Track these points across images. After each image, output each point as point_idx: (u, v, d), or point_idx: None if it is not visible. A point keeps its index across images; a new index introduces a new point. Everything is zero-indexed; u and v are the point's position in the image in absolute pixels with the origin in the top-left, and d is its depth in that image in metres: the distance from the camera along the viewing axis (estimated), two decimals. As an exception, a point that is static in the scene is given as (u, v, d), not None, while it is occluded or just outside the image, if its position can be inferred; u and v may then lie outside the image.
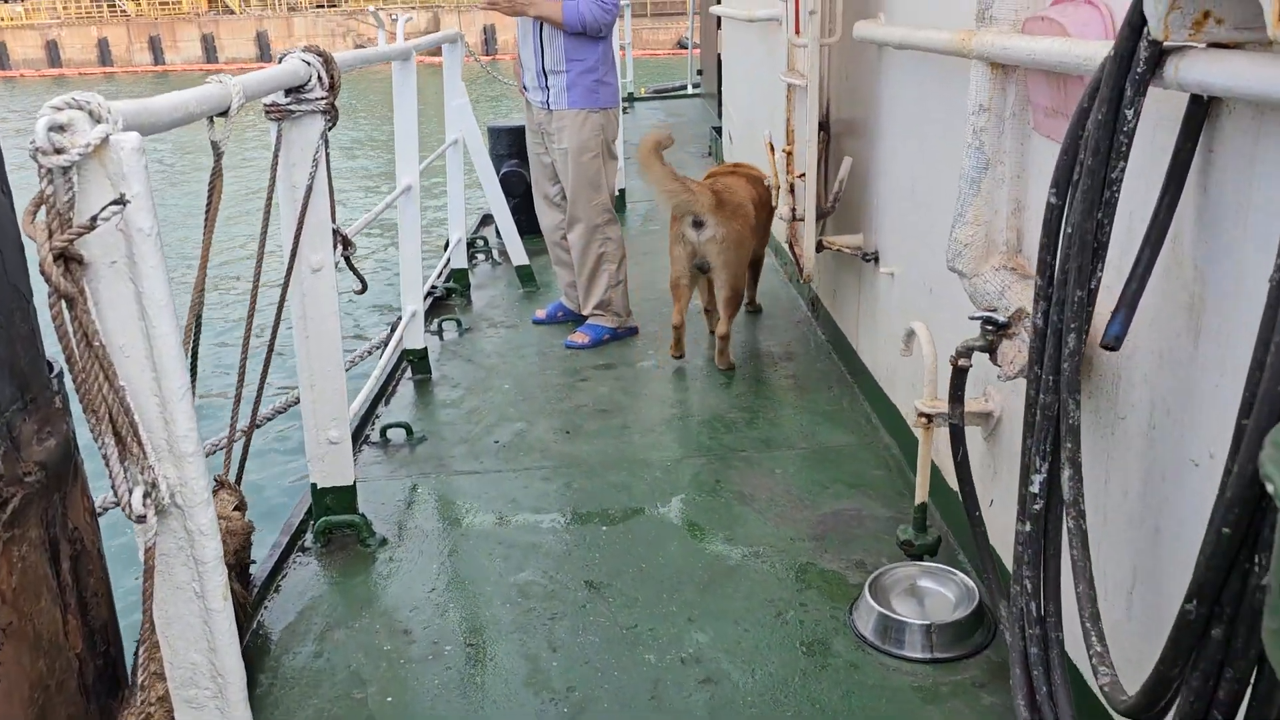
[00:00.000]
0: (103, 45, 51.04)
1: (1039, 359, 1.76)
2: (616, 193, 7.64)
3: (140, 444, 1.62)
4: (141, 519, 1.64)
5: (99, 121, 1.51)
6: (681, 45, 42.07)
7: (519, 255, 5.67)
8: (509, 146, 6.57)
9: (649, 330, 4.91)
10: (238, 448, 2.77)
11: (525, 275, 5.70)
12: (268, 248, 2.79)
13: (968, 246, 2.32)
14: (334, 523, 3.03)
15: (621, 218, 7.47)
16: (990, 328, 1.96)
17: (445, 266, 5.66)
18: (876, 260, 3.63)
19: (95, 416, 1.56)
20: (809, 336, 4.69)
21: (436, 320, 5.08)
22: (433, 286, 5.50)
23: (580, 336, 4.77)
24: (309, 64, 2.66)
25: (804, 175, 3.69)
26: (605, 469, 3.47)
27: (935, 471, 2.82)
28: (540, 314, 5.15)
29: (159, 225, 1.59)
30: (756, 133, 6.37)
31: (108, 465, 1.60)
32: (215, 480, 2.64)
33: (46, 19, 52.16)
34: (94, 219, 1.47)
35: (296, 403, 3.43)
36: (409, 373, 4.42)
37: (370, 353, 4.20)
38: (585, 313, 4.82)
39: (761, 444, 3.60)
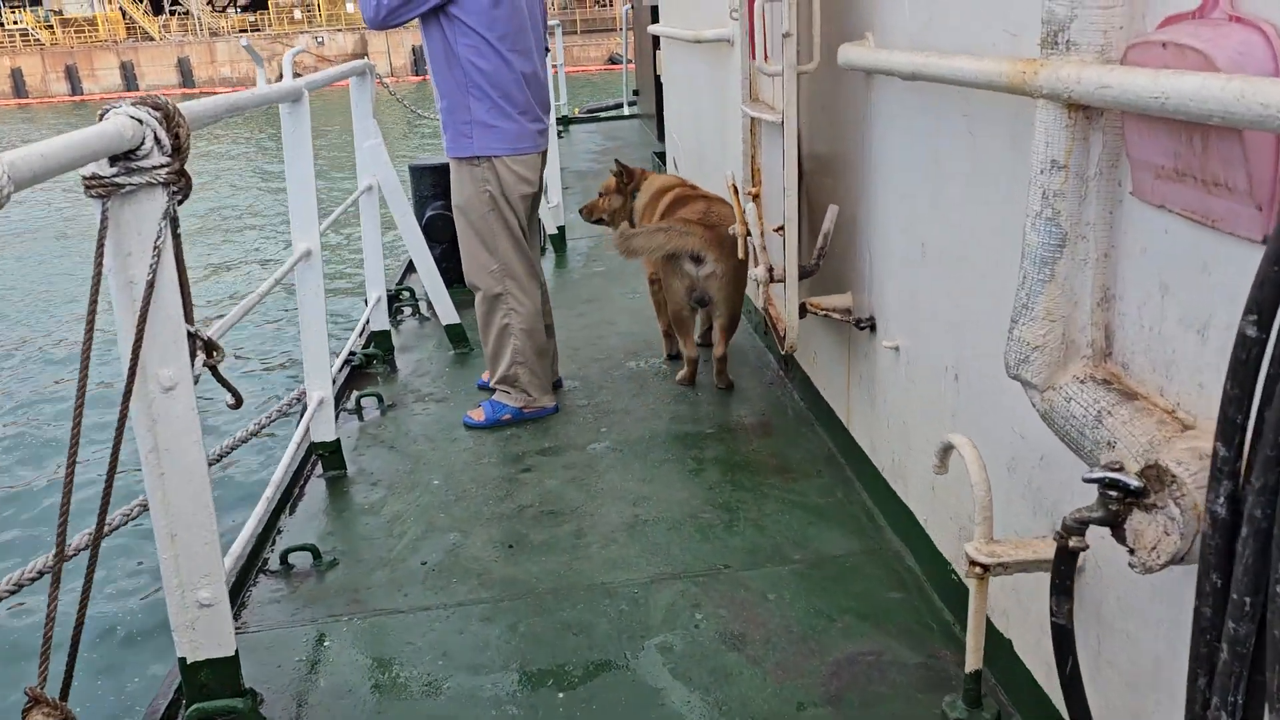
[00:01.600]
0: (16, 76, 49.27)
1: (1219, 566, 1.15)
2: (555, 229, 7.02)
3: None
4: None
5: None
6: (613, 61, 41.59)
7: (448, 313, 5.00)
8: (433, 187, 5.89)
9: (598, 400, 4.27)
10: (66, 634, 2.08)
11: (455, 335, 5.03)
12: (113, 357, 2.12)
13: (1038, 350, 1.72)
14: (210, 710, 2.34)
15: (561, 258, 6.85)
16: (1115, 494, 1.36)
17: (364, 329, 4.97)
18: (873, 328, 3.03)
19: None
20: (785, 402, 4.08)
21: (355, 395, 4.39)
22: (351, 353, 4.81)
23: (477, 413, 4.13)
24: (141, 122, 1.99)
25: (781, 228, 3.09)
26: (558, 601, 2.81)
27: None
28: (486, 376, 4.48)
29: None
30: (707, 164, 5.78)
31: None
32: (28, 695, 1.95)
33: (-45, 51, 50.21)
34: None
35: (127, 521, 2.72)
36: (319, 469, 3.73)
37: (251, 436, 3.48)
38: (492, 385, 4.17)
39: (747, 555, 2.97)
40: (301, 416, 3.65)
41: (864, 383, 3.19)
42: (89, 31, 52.17)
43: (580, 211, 4.63)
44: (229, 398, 2.41)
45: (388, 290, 5.83)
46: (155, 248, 2.06)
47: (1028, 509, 2.11)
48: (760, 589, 2.79)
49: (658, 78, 11.45)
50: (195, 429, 2.21)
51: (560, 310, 5.51)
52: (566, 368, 4.61)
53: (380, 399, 4.37)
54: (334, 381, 3.85)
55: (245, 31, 52.04)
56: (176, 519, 2.24)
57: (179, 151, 2.09)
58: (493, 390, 4.16)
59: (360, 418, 4.28)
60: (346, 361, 4.74)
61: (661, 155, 9.30)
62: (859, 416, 3.30)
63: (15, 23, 52.79)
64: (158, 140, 2.02)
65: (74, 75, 49.60)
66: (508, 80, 3.82)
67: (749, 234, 3.74)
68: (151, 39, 52.00)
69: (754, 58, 3.26)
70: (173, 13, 54.28)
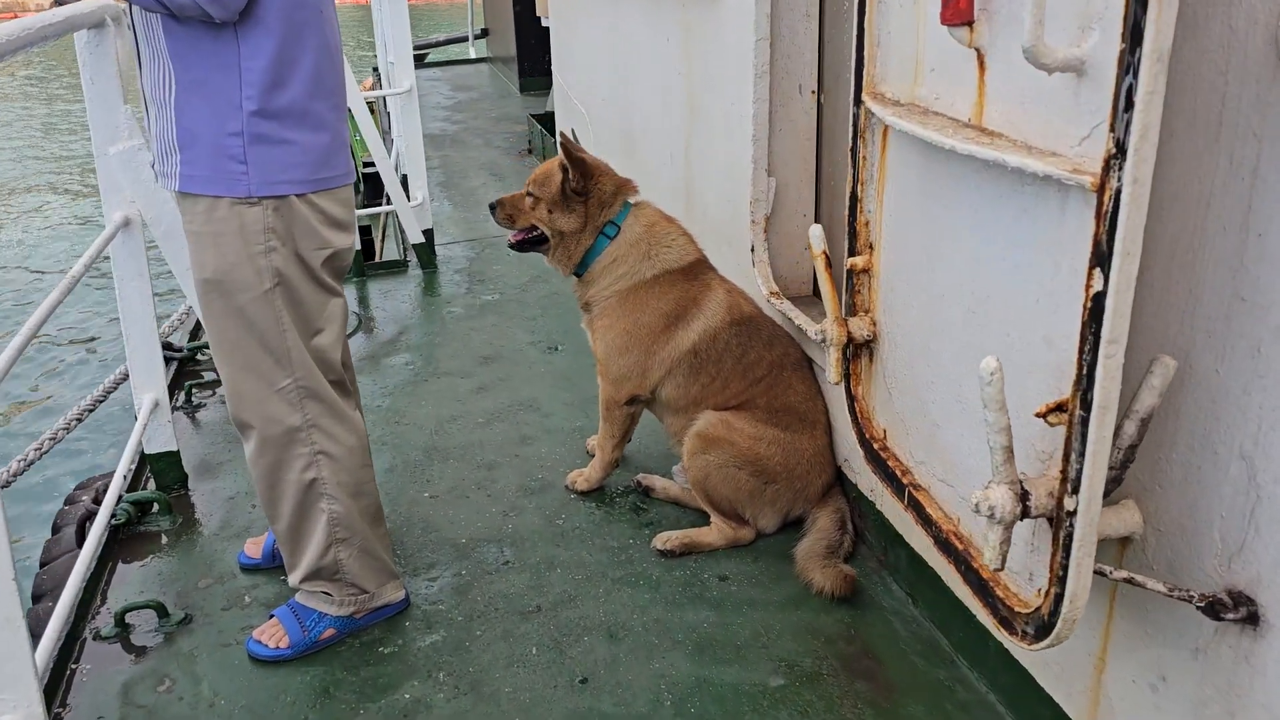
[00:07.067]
0: None
1: None
2: (421, 236, 5.10)
3: None
4: None
5: None
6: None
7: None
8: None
9: (553, 596, 2.48)
10: None
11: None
12: None
13: None
14: None
15: (430, 282, 4.92)
16: None
17: (132, 460, 2.99)
18: (1251, 621, 1.39)
19: None
20: (886, 607, 2.42)
21: (109, 603, 2.49)
22: (118, 502, 2.85)
23: (272, 635, 2.35)
24: None
25: (1057, 411, 1.37)
26: None
27: None
28: (252, 549, 2.71)
29: None
30: (641, 158, 4.00)
31: None
32: None
33: None
34: None
35: None
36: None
37: None
38: (292, 584, 2.38)
39: None
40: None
41: (1193, 707, 1.54)
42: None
43: (494, 212, 2.75)
44: None
45: (180, 352, 3.88)
46: None
47: None
48: None
49: (525, 15, 9.46)
50: None
51: (447, 380, 3.68)
52: (483, 511, 2.82)
53: (162, 610, 2.46)
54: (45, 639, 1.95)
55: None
56: None
57: None
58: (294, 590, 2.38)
59: (126, 647, 2.38)
60: (109, 520, 2.79)
61: (541, 119, 7.38)
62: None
63: None
64: None
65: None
66: (311, 56, 2.01)
67: (851, 342, 2.05)
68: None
69: (951, 19, 1.50)
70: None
